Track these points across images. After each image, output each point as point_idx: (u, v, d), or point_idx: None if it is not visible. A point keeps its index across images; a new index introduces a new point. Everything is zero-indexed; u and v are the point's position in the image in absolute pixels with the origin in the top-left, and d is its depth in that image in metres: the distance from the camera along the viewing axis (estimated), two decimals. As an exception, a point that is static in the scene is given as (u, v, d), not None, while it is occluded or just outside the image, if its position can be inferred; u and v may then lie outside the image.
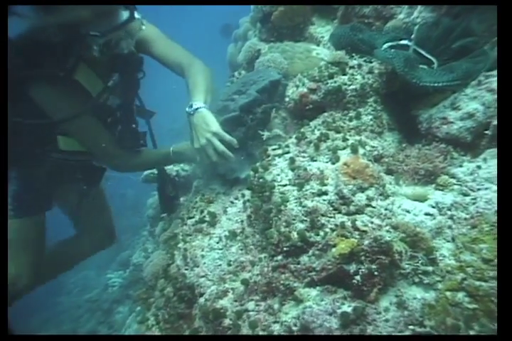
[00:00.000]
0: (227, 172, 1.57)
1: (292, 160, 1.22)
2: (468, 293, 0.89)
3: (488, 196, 1.00)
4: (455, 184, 1.11)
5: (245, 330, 1.06)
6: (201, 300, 1.22)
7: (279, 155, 1.31)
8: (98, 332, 4.09)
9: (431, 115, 1.26)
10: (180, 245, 1.43)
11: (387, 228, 1.01)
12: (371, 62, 1.43)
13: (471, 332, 0.85)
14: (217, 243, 1.35)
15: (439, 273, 0.96)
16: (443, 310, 0.89)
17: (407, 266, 0.97)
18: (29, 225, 1.65)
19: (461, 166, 1.15)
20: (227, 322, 1.11)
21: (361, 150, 1.22)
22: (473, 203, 1.02)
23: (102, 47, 1.33)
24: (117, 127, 1.66)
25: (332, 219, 1.04)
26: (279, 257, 1.09)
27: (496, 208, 0.96)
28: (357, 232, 0.99)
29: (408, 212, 1.08)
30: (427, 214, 1.06)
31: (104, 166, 1.85)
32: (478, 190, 1.04)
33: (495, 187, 1.01)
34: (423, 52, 1.36)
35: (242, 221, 1.35)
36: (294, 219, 1.07)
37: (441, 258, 0.98)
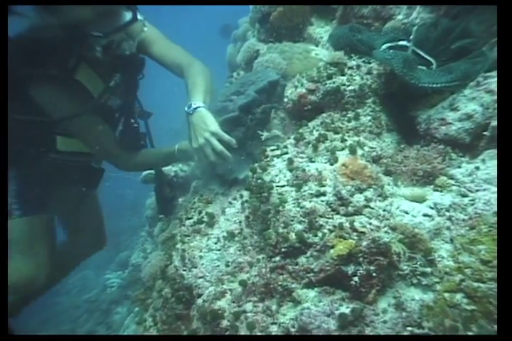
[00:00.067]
0: (225, 173, 1.56)
1: (290, 161, 1.22)
2: (467, 294, 0.89)
3: (487, 197, 1.00)
4: (453, 185, 1.11)
5: (243, 331, 1.06)
6: (199, 301, 1.22)
7: (278, 156, 1.30)
8: (97, 332, 4.08)
9: (429, 116, 1.26)
10: (178, 246, 1.43)
11: (386, 229, 1.01)
12: (370, 63, 1.43)
13: (469, 334, 0.85)
14: (215, 244, 1.34)
15: (438, 275, 0.96)
16: (441, 312, 0.89)
17: (405, 267, 0.97)
18: (39, 223, 1.63)
19: (459, 167, 1.15)
20: (225, 323, 1.11)
21: (360, 151, 1.22)
22: (472, 204, 1.02)
23: (104, 48, 1.33)
24: (118, 127, 1.66)
25: (330, 220, 1.03)
26: (277, 258, 1.09)
27: (495, 209, 0.96)
28: (355, 233, 0.99)
29: (406, 213, 1.08)
30: (425, 215, 1.06)
31: (103, 168, 1.85)
32: (477, 191, 1.04)
33: (493, 188, 1.01)
34: (422, 53, 1.36)
35: (240, 222, 1.35)
36: (292, 220, 1.07)
37: (439, 259, 0.98)
